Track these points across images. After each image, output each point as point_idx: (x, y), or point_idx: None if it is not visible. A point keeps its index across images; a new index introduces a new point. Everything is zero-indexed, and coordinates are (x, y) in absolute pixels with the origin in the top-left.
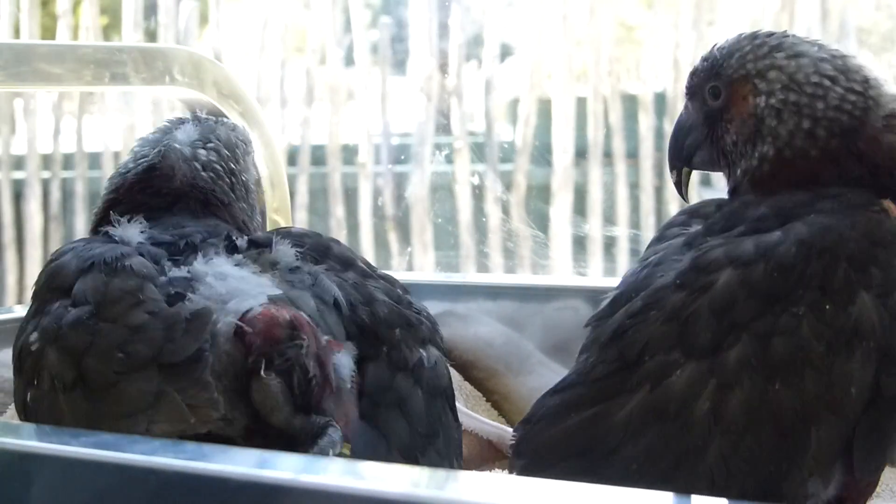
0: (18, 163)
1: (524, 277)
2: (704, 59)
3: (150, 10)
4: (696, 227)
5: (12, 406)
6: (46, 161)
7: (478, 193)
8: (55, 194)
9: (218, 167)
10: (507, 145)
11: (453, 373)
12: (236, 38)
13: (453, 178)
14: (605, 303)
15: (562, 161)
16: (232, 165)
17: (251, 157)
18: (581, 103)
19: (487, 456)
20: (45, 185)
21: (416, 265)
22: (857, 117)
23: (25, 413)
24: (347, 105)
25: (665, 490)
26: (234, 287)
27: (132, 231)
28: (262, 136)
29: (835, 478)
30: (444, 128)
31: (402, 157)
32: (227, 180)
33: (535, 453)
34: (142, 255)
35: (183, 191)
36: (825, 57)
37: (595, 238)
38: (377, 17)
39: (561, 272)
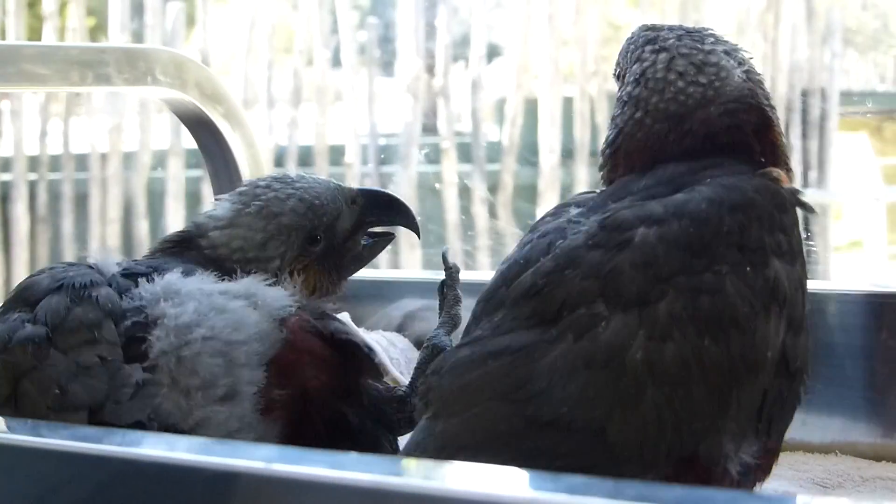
0: (5, 165)
1: None
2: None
3: (137, 12)
4: (573, 210)
5: None
6: (33, 163)
7: (465, 194)
8: (42, 196)
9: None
10: (494, 145)
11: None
12: (223, 40)
13: (440, 178)
14: (495, 275)
15: (548, 161)
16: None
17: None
18: (568, 103)
19: None
20: (32, 186)
21: (403, 263)
22: (688, 106)
23: None
24: (334, 106)
25: (600, 434)
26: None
27: (110, 265)
28: (245, 137)
29: (746, 441)
30: (431, 128)
31: (383, 157)
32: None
33: (447, 400)
34: (111, 285)
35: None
36: (685, 53)
37: None
38: (364, 17)
39: None
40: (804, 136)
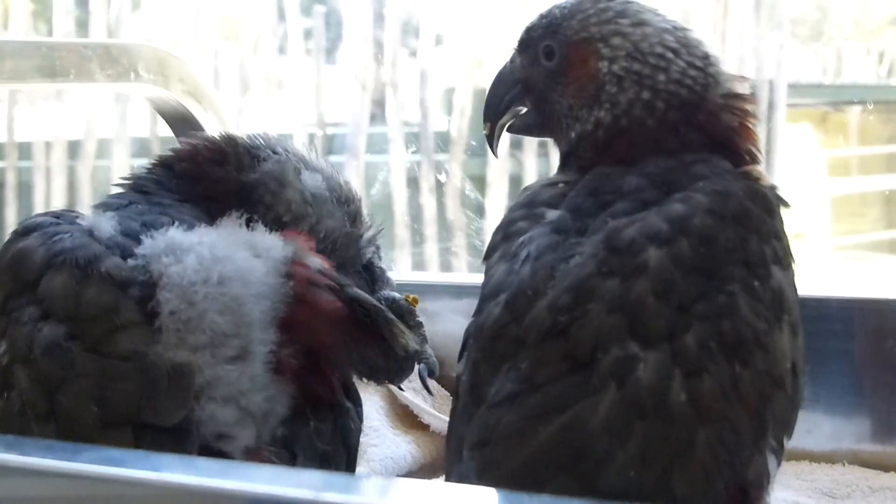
0: None
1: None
2: (542, 17)
3: None
4: (550, 213)
5: None
6: None
7: (413, 184)
8: None
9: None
10: (443, 135)
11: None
12: (169, 27)
13: (388, 169)
14: (497, 309)
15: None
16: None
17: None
18: None
19: None
20: None
21: None
22: (698, 93)
23: None
24: (281, 95)
25: (668, 491)
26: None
27: (104, 223)
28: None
29: (780, 454)
30: (379, 118)
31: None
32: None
33: (512, 479)
34: (111, 249)
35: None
36: (668, 28)
37: None
38: (311, 5)
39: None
40: None
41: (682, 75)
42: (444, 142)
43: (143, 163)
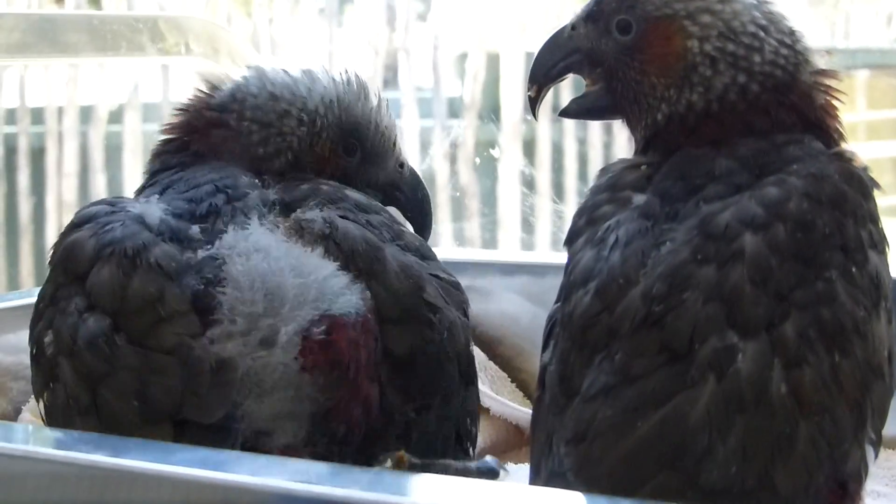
0: None
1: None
2: None
3: None
4: (637, 198)
5: (33, 398)
6: None
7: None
8: None
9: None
10: (455, 101)
11: (477, 352)
12: None
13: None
14: (587, 297)
15: (510, 117)
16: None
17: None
18: (529, 59)
19: (514, 441)
20: None
21: None
22: (790, 73)
23: (45, 408)
24: (293, 60)
25: (771, 487)
26: (269, 286)
27: (152, 208)
28: None
29: (878, 446)
30: (391, 83)
31: None
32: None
33: (611, 476)
34: (162, 235)
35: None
36: (754, 3)
37: (544, 192)
38: None
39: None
40: None
41: (775, 55)
42: (456, 107)
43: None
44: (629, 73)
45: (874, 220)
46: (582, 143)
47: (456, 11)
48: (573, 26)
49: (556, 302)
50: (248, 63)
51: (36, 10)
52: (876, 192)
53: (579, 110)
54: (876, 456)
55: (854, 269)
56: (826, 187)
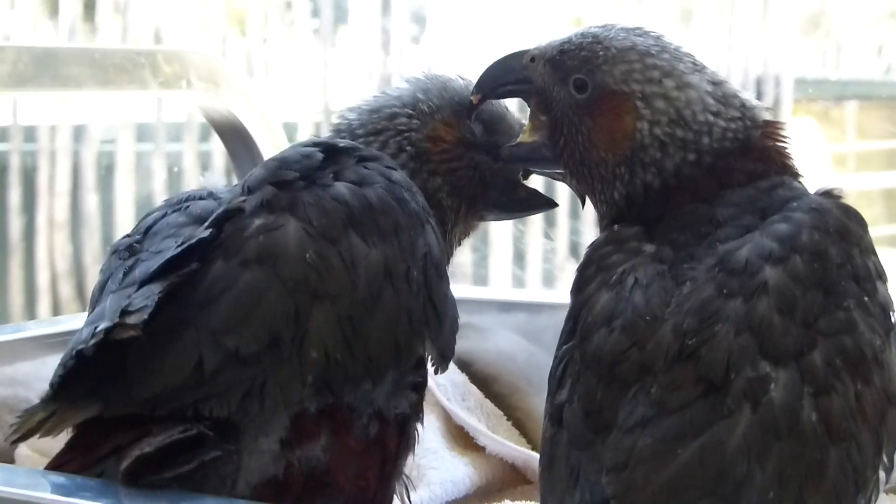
0: None
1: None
2: (582, 46)
3: None
4: (646, 247)
5: None
6: None
7: None
8: None
9: None
10: None
11: (473, 390)
12: (177, 13)
13: None
14: (613, 335)
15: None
16: None
17: None
18: None
19: (510, 481)
20: None
21: None
22: (742, 140)
23: None
24: (287, 82)
25: None
26: None
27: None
28: (276, 144)
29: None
30: None
31: None
32: None
33: (656, 502)
34: None
35: None
36: (709, 90)
37: (536, 228)
38: None
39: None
40: None
41: (723, 132)
42: None
43: (149, 148)
44: (576, 136)
45: (874, 251)
46: None
47: (450, 35)
48: (533, 58)
49: (565, 343)
50: (246, 96)
51: (37, 42)
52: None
53: (512, 157)
54: (887, 481)
55: (866, 299)
56: (830, 220)
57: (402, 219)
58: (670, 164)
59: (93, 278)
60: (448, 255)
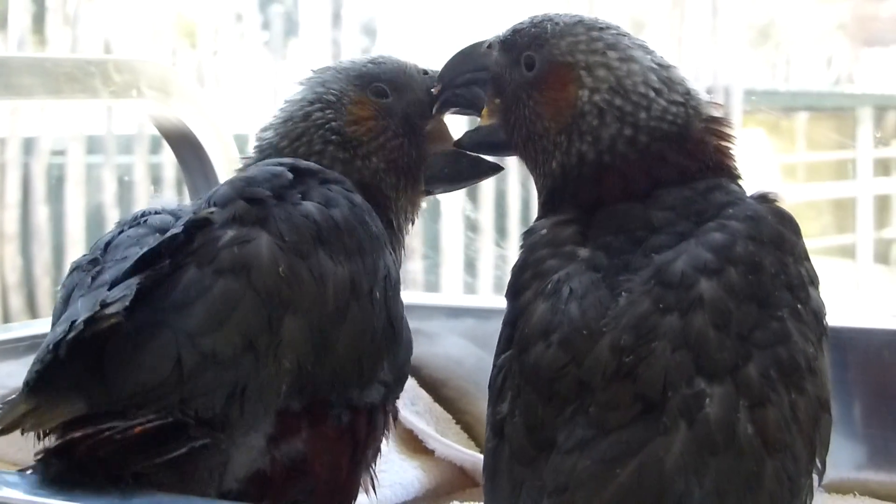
0: None
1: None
2: (533, 24)
3: None
4: (581, 251)
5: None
6: None
7: None
8: None
9: None
10: None
11: (422, 394)
12: (127, 24)
13: None
14: (550, 350)
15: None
16: None
17: None
18: None
19: (458, 483)
20: None
21: None
22: (680, 125)
23: None
24: (237, 94)
25: None
26: None
27: None
28: (227, 154)
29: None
30: None
31: None
32: None
33: None
34: None
35: None
36: (654, 67)
37: (487, 235)
38: (269, 4)
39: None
40: None
41: (663, 112)
42: None
43: (98, 160)
44: (524, 110)
45: (807, 257)
46: (525, 186)
47: (400, 47)
48: (490, 45)
49: (503, 351)
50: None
51: None
52: (814, 232)
53: (471, 144)
54: (819, 483)
55: (800, 307)
56: (765, 228)
57: (366, 240)
58: (606, 134)
59: (43, 290)
60: (400, 239)
